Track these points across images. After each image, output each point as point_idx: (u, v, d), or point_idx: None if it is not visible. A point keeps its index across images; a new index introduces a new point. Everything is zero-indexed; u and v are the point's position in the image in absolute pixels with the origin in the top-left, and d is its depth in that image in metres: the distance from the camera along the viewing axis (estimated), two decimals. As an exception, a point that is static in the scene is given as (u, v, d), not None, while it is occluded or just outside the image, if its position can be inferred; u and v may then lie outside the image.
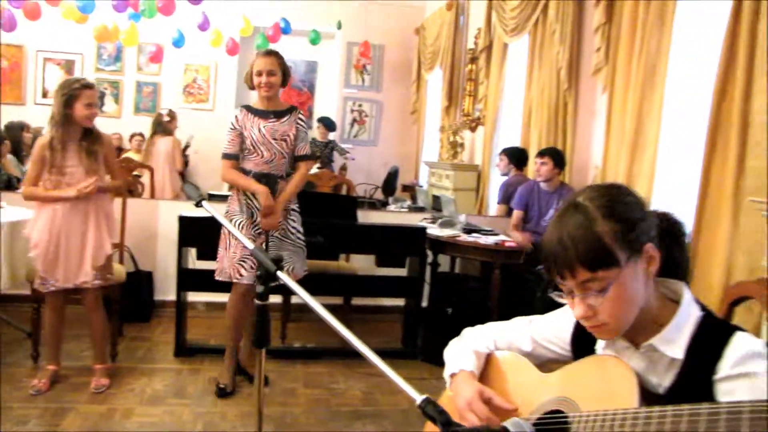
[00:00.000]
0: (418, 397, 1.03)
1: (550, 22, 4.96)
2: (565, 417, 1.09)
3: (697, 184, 3.25)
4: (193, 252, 3.67)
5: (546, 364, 1.35)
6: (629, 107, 3.93)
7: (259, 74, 3.14)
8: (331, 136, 7.78)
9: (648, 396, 1.07)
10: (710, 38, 3.33)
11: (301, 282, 3.80)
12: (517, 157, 5.08)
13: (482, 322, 3.93)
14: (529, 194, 4.49)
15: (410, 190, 8.23)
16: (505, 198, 5.01)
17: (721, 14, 3.15)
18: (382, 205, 6.24)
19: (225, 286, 3.73)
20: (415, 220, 4.67)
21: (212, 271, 3.68)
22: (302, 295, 1.31)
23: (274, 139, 3.20)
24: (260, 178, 3.18)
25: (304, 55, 8.95)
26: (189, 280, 3.67)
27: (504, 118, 6.18)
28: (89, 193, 2.98)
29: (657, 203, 3.72)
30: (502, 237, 4.13)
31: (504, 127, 6.19)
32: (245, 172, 3.21)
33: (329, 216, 3.87)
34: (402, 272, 4.16)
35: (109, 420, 2.85)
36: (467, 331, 1.52)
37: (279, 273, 1.34)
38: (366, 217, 4.61)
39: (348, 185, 4.89)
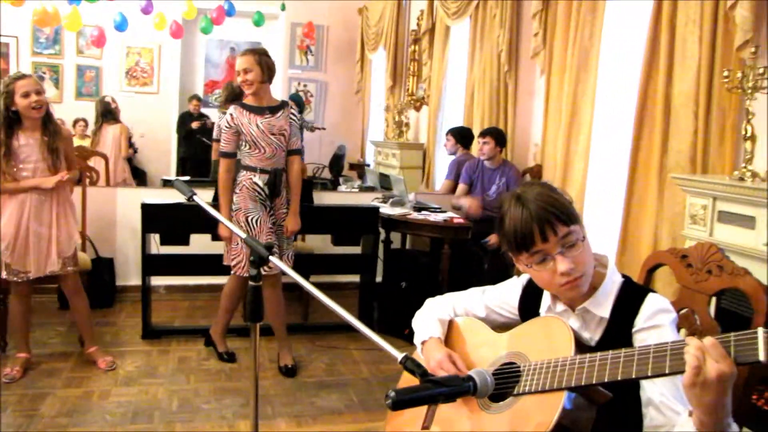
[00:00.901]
0: (399, 355, 1.25)
1: (491, 7, 5.19)
2: (518, 367, 1.33)
3: (626, 161, 3.57)
4: (156, 238, 3.76)
5: (497, 327, 1.59)
6: (566, 89, 4.22)
7: (238, 74, 3.29)
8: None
9: (582, 348, 1.31)
10: (637, 27, 3.63)
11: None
12: (463, 136, 5.32)
13: (434, 295, 4.23)
14: (473, 171, 4.75)
15: (357, 168, 8.43)
16: (456, 174, 5.25)
17: (647, 4, 3.45)
18: (333, 185, 6.42)
19: (189, 270, 3.89)
20: (367, 199, 4.88)
21: (176, 256, 3.82)
22: (294, 276, 1.50)
23: (272, 134, 3.32)
24: (268, 173, 3.32)
25: (248, 37, 8.95)
26: (153, 265, 3.78)
27: (447, 98, 6.41)
28: (66, 183, 3.13)
29: (592, 179, 4.04)
30: (450, 214, 4.39)
31: (448, 107, 6.43)
32: (250, 169, 3.33)
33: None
34: (357, 250, 4.37)
35: (87, 401, 2.99)
36: (429, 302, 1.74)
37: (271, 258, 1.52)
38: (319, 198, 4.79)
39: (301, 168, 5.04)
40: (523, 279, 1.57)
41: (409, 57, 7.47)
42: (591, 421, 1.25)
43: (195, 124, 7.66)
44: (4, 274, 3.13)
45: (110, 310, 4.28)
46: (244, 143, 3.33)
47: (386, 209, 4.38)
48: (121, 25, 6.88)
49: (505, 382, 1.32)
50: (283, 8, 7.95)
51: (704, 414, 1.03)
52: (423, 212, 4.39)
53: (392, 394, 1.10)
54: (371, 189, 5.65)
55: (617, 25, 3.88)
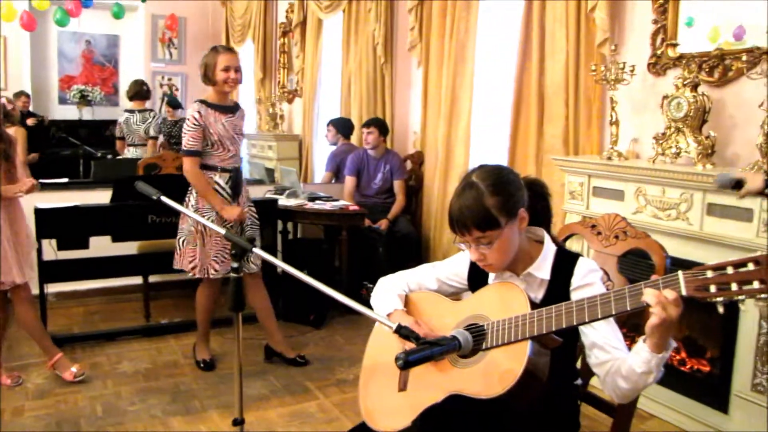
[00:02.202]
0: (393, 325, 1.44)
1: (364, 1, 5.41)
2: (482, 326, 1.57)
3: (506, 145, 3.96)
4: (53, 243, 3.61)
5: (448, 296, 1.82)
6: (444, 80, 4.56)
7: (227, 69, 3.18)
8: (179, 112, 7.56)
9: (533, 305, 1.57)
10: (510, 24, 4.02)
11: (156, 258, 3.95)
12: (344, 126, 5.52)
13: (336, 279, 4.43)
14: (359, 161, 4.97)
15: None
16: (335, 166, 5.46)
17: (519, 3, 3.84)
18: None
19: (91, 274, 3.78)
20: (258, 192, 4.92)
21: (74, 260, 3.70)
22: (281, 265, 1.63)
23: (236, 133, 3.29)
24: (230, 172, 3.29)
25: (104, 29, 8.54)
26: (50, 271, 3.62)
27: (323, 90, 6.57)
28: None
29: (474, 162, 4.41)
30: (343, 202, 4.60)
31: (323, 98, 6.59)
32: (211, 168, 3.25)
33: (183, 195, 4.01)
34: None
35: (-1, 421, 2.86)
36: (382, 281, 1.92)
37: (255, 249, 1.64)
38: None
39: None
40: (468, 252, 1.81)
41: (278, 49, 7.53)
42: (548, 365, 1.52)
43: (30, 122, 7.20)
44: None
45: None
46: (206, 142, 3.25)
47: (283, 201, 4.49)
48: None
49: (473, 340, 1.55)
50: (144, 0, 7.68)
51: (659, 339, 1.33)
52: (317, 201, 4.55)
53: (401, 355, 1.30)
54: (259, 182, 5.70)
55: (491, 21, 4.27)
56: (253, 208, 3.54)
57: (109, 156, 6.33)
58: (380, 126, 4.93)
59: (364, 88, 5.54)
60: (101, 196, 3.91)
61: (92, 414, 2.93)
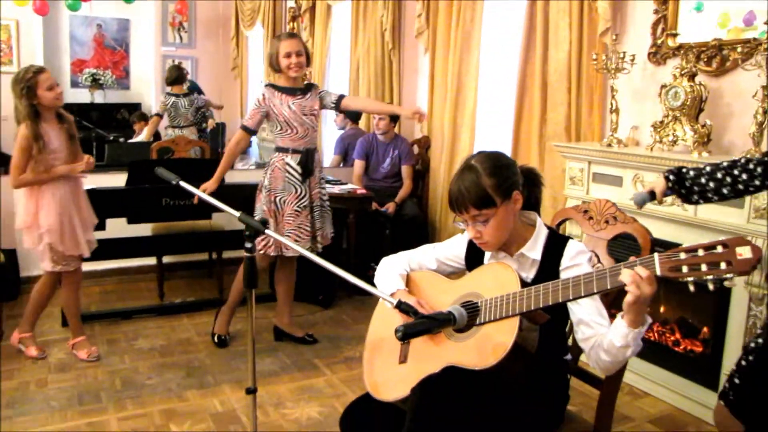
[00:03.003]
0: (393, 301, 1.56)
1: (373, -12, 5.49)
2: (476, 303, 1.69)
3: (510, 131, 4.05)
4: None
5: (446, 276, 1.94)
6: (450, 67, 4.64)
7: (288, 55, 3.30)
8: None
9: (523, 284, 1.69)
10: (515, 12, 4.10)
11: (170, 240, 4.04)
12: (353, 111, 5.61)
13: (343, 260, 4.55)
14: (368, 145, 5.08)
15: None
16: (343, 150, 5.57)
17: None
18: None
19: (107, 254, 3.91)
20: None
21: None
22: (292, 245, 1.75)
23: (304, 114, 3.37)
24: (300, 153, 3.38)
25: (115, 13, 8.62)
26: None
27: (332, 74, 6.65)
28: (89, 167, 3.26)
29: (478, 147, 4.51)
30: (351, 186, 4.71)
31: (332, 83, 6.67)
32: (282, 150, 3.39)
33: (197, 179, 4.13)
34: (265, 225, 4.55)
35: (25, 392, 3.00)
36: (385, 260, 2.04)
37: (267, 231, 1.76)
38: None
39: (203, 148, 5.11)
40: (467, 234, 1.92)
41: (288, 34, 7.59)
42: (536, 339, 1.64)
43: None
44: (51, 266, 3.21)
45: (16, 302, 4.16)
46: (275, 125, 3.39)
47: (292, 184, 4.60)
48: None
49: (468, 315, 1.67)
50: (155, -16, 7.76)
51: (635, 315, 1.45)
52: (326, 185, 4.65)
53: (401, 328, 1.42)
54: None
55: (496, 11, 4.34)
56: (325, 196, 3.63)
57: (121, 139, 6.46)
58: (391, 112, 5.02)
59: (372, 74, 5.62)
60: (115, 179, 4.06)
61: (111, 387, 3.08)
